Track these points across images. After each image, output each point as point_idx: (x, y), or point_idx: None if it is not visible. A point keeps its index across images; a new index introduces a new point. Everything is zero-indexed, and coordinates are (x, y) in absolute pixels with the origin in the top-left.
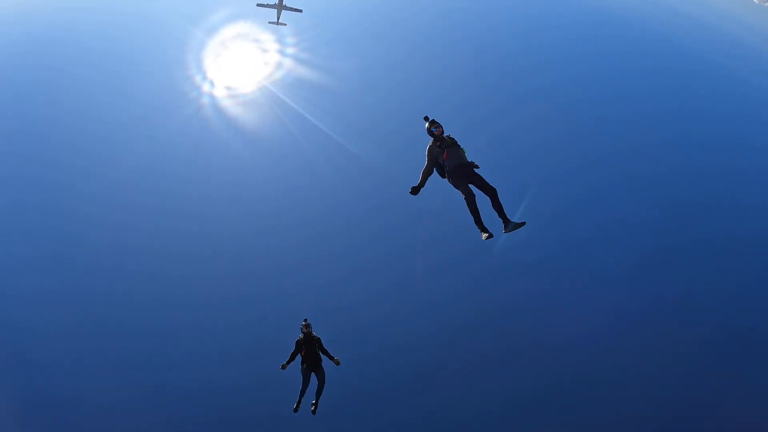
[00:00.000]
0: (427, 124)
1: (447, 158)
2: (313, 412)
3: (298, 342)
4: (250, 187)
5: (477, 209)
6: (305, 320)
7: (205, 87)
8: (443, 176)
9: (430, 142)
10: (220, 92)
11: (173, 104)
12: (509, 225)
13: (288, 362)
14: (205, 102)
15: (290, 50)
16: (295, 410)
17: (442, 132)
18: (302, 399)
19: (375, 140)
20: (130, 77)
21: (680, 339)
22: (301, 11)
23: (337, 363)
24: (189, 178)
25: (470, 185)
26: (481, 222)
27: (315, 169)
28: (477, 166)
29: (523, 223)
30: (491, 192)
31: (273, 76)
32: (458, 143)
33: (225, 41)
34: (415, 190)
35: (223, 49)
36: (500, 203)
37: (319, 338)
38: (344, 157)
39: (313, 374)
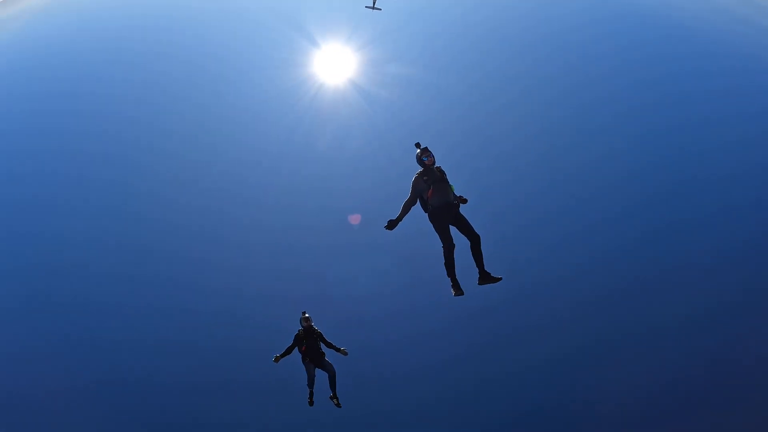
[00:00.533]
0: (418, 152)
1: (432, 195)
2: (337, 404)
3: (297, 336)
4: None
5: (453, 260)
6: (304, 312)
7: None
8: (426, 210)
9: (417, 173)
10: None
11: (272, 104)
12: (486, 278)
13: (283, 355)
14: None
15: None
16: (310, 403)
17: (433, 163)
18: (313, 391)
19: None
20: (230, 77)
21: None
22: (380, 9)
23: (345, 353)
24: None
25: (452, 227)
26: (455, 276)
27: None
28: (465, 201)
29: (500, 278)
30: (474, 239)
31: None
32: (447, 178)
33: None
34: (391, 224)
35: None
36: (481, 252)
37: (320, 332)
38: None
39: (318, 369)
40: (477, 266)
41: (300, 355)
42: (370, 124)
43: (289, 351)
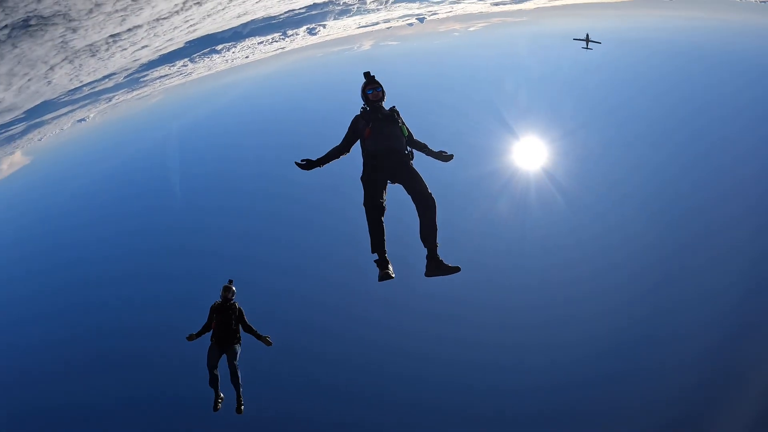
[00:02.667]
0: (363, 82)
1: (370, 136)
2: (238, 410)
3: (211, 308)
4: None
5: (382, 228)
6: (229, 281)
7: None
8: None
9: (360, 110)
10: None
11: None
12: (437, 266)
13: (198, 334)
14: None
15: None
16: (215, 408)
17: (381, 99)
18: (219, 392)
19: None
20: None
21: None
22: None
23: (268, 343)
24: None
25: (390, 185)
26: (384, 250)
27: None
28: (446, 157)
29: (457, 269)
30: (425, 205)
31: None
32: (400, 119)
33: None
34: (308, 165)
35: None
36: (435, 225)
37: (240, 309)
38: None
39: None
40: (426, 246)
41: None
42: (558, 210)
43: (204, 329)
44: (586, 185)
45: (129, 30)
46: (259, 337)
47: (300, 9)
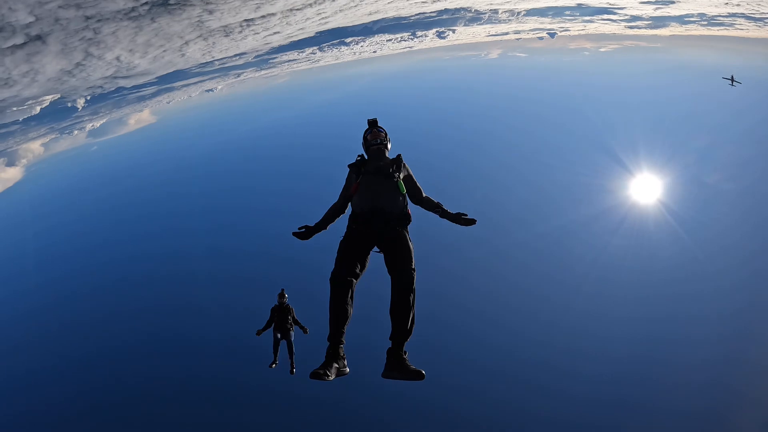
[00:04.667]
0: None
1: (357, 192)
2: (291, 371)
3: (272, 310)
4: None
5: (345, 312)
6: (282, 290)
7: None
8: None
9: (357, 158)
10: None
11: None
12: (399, 367)
13: (263, 330)
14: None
15: None
16: (271, 365)
17: (382, 142)
18: (277, 358)
19: None
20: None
21: None
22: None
23: (305, 331)
24: None
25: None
26: (340, 341)
27: None
28: (467, 221)
29: (421, 375)
30: (402, 284)
31: None
32: (401, 172)
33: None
34: (307, 233)
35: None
36: (409, 313)
37: (291, 308)
38: None
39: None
40: (391, 338)
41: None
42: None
43: (268, 325)
44: (706, 215)
45: (263, 17)
46: (301, 327)
47: (431, 12)
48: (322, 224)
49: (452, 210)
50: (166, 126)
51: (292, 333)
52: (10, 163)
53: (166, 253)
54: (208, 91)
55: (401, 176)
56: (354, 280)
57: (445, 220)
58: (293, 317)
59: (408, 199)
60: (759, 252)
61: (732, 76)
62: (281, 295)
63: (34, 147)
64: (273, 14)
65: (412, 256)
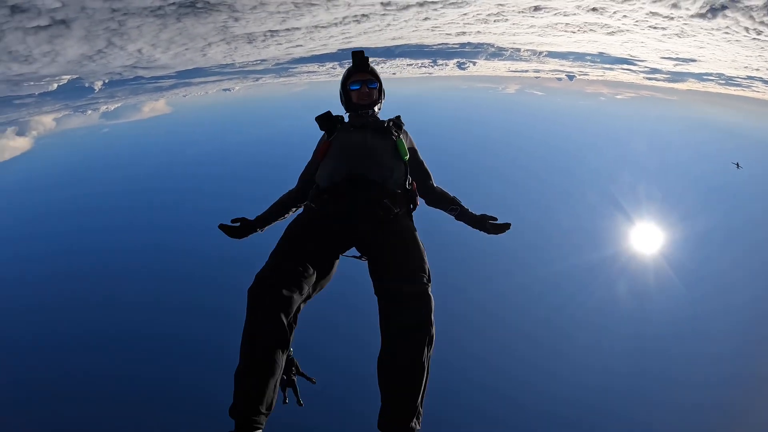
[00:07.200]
0: (346, 69)
1: (327, 154)
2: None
3: None
4: None
5: (272, 358)
6: None
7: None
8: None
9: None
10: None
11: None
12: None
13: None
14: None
15: None
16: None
17: (373, 102)
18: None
19: None
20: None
21: None
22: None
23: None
24: None
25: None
26: (257, 411)
27: None
28: (489, 227)
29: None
30: (404, 320)
31: None
32: (400, 135)
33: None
34: (242, 230)
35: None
36: (420, 377)
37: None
38: None
39: None
40: (384, 418)
41: None
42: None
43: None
44: (706, 270)
45: (287, 30)
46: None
47: (453, 44)
48: (266, 217)
49: (475, 210)
50: (180, 118)
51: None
52: (21, 133)
53: (151, 247)
54: (225, 90)
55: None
56: (294, 295)
57: (462, 225)
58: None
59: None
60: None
61: (737, 163)
62: None
63: (46, 120)
64: (298, 29)
65: (425, 263)
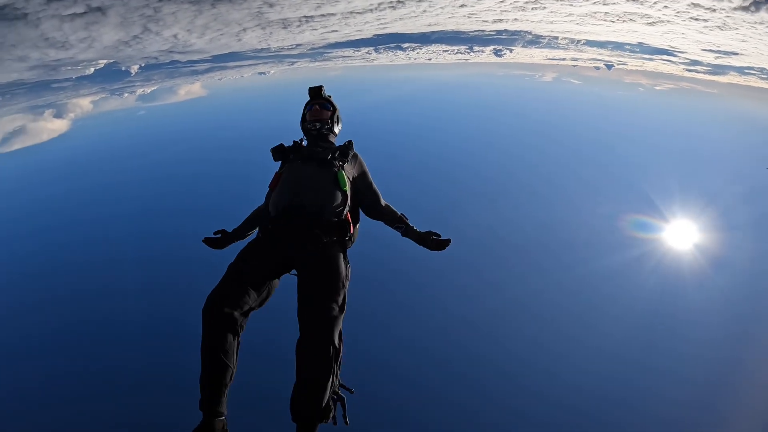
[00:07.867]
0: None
1: (277, 186)
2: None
3: None
4: None
5: (222, 365)
6: None
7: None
8: None
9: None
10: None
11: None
12: None
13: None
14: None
15: None
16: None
17: (324, 121)
18: None
19: None
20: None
21: None
22: None
23: None
24: None
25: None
26: (216, 410)
27: None
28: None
29: None
30: (311, 346)
31: None
32: (342, 163)
33: None
34: (222, 241)
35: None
36: (318, 399)
37: None
38: None
39: None
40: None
41: None
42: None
43: None
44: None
45: (322, 15)
46: None
47: (490, 31)
48: (240, 230)
49: (421, 228)
50: (215, 101)
51: None
52: (58, 115)
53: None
54: (260, 74)
55: (348, 171)
56: (235, 312)
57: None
58: None
59: (361, 210)
60: None
61: None
62: None
63: (84, 103)
64: (333, 14)
65: (340, 289)
